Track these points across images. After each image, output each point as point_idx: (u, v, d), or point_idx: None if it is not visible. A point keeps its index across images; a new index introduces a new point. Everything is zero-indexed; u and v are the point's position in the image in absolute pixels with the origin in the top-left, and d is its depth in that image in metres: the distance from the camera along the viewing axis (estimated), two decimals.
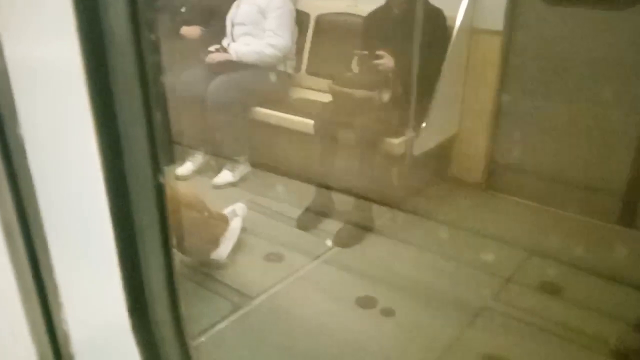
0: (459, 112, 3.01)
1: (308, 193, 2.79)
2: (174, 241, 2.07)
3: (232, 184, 3.11)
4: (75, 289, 0.59)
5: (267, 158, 3.23)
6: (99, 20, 0.49)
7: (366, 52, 2.67)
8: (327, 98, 2.84)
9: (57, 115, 0.54)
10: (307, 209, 2.73)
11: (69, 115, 0.53)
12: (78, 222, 0.57)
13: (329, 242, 2.47)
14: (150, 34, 0.52)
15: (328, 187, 2.78)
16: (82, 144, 0.53)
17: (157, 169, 0.54)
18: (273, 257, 2.42)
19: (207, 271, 2.30)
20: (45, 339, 0.60)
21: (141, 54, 0.51)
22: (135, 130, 0.52)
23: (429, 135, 2.78)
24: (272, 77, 3.19)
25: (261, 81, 3.13)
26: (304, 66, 3.41)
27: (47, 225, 0.57)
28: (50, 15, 0.49)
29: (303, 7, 3.41)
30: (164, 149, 0.55)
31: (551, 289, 2.22)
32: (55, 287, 0.59)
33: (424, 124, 2.72)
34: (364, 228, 2.61)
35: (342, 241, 2.53)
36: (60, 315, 0.59)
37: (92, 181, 0.53)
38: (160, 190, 0.54)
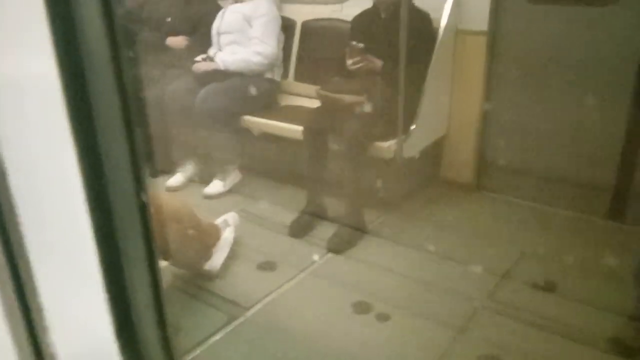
0: (448, 113, 3.02)
1: (299, 199, 2.79)
2: (166, 254, 2.04)
3: (223, 194, 3.10)
4: (60, 312, 0.58)
5: (258, 166, 3.22)
6: (75, 38, 0.48)
7: (362, 45, 2.61)
8: (315, 104, 2.84)
9: (37, 135, 0.54)
10: (299, 216, 2.73)
11: (49, 135, 0.53)
12: (62, 244, 0.57)
13: (316, 257, 2.45)
14: (128, 49, 0.51)
15: (319, 193, 2.77)
16: (62, 164, 0.52)
17: (140, 188, 0.54)
18: (266, 266, 2.41)
19: (200, 283, 2.28)
20: None
21: (120, 70, 0.51)
22: (116, 148, 0.52)
23: (419, 137, 2.78)
24: (260, 84, 3.18)
25: (249, 89, 3.12)
26: (291, 73, 3.41)
27: (30, 248, 0.57)
28: (26, 34, 0.49)
29: (289, 13, 3.41)
30: (145, 162, 0.54)
31: (546, 286, 2.22)
32: (40, 310, 0.58)
33: (413, 126, 2.73)
34: (357, 233, 2.61)
35: (335, 247, 2.52)
36: (46, 338, 0.58)
37: (75, 202, 0.52)
38: (143, 209, 0.53)
